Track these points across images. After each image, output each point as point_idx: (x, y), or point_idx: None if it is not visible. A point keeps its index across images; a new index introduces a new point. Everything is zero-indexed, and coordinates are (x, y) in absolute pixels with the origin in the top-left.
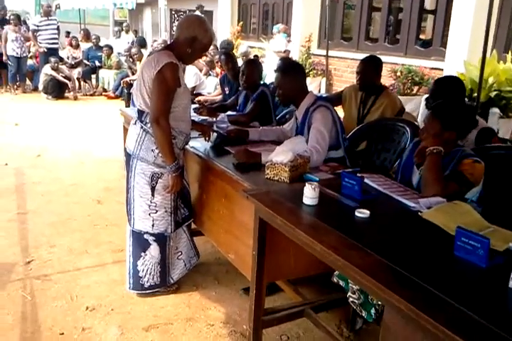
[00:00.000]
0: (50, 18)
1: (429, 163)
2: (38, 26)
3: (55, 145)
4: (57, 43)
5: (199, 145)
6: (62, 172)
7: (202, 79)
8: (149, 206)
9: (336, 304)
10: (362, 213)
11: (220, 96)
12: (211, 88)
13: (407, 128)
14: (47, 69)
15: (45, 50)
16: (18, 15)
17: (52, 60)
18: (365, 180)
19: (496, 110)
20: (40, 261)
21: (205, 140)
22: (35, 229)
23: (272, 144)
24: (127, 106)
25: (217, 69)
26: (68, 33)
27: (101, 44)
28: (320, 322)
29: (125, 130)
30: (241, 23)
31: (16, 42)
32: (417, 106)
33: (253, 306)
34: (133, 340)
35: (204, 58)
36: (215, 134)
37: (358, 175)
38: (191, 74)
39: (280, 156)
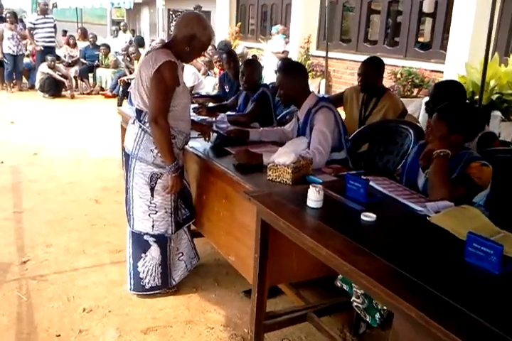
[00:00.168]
0: (46, 16)
1: (436, 165)
2: (34, 24)
3: (51, 144)
4: (53, 42)
5: (199, 145)
6: (59, 171)
7: (200, 79)
8: (149, 207)
9: (338, 308)
10: (368, 217)
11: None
12: (210, 88)
13: (411, 131)
14: (43, 68)
15: (42, 49)
16: (14, 13)
17: (49, 58)
18: (370, 183)
19: (497, 113)
20: (36, 260)
21: (205, 140)
22: (31, 228)
23: (272, 145)
24: (120, 104)
25: (216, 69)
26: (65, 31)
27: (98, 43)
28: (323, 327)
29: (123, 129)
30: (239, 23)
31: (12, 40)
32: (417, 108)
33: (255, 309)
34: None
35: (202, 58)
36: (214, 134)
37: (363, 177)
38: (189, 74)
39: (282, 157)
